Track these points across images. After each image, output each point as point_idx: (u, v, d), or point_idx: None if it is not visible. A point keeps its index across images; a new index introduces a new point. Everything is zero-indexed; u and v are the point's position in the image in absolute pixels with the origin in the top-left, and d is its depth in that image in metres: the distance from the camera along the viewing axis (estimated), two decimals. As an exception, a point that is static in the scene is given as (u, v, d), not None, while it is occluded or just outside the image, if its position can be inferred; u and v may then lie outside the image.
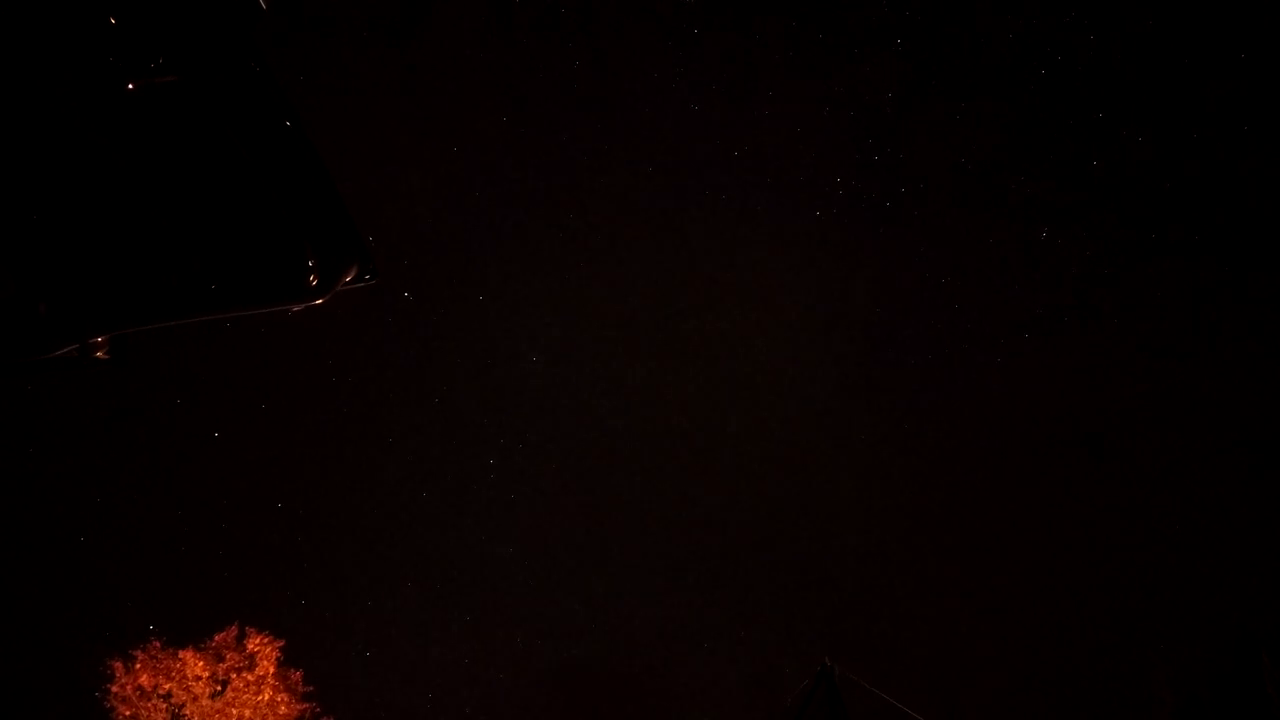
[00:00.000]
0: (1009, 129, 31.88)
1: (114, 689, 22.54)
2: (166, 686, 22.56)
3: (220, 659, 23.09)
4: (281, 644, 23.52)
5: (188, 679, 22.67)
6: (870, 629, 31.43)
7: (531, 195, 33.30)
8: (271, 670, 23.25)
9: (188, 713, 22.68)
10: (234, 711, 22.87)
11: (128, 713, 22.45)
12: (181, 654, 22.77)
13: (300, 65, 30.50)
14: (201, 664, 22.73)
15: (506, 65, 31.87)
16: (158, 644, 22.80)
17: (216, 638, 23.33)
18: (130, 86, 1.92)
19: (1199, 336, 30.71)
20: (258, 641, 23.32)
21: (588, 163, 32.77)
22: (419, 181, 31.96)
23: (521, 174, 32.93)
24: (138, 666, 22.53)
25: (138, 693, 22.49)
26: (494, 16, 30.75)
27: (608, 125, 33.21)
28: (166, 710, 22.61)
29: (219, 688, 22.97)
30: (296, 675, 23.81)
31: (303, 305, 2.21)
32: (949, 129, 31.78)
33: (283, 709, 23.30)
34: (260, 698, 23.05)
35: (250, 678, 23.12)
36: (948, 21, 30.87)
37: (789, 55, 31.61)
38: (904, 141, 32.90)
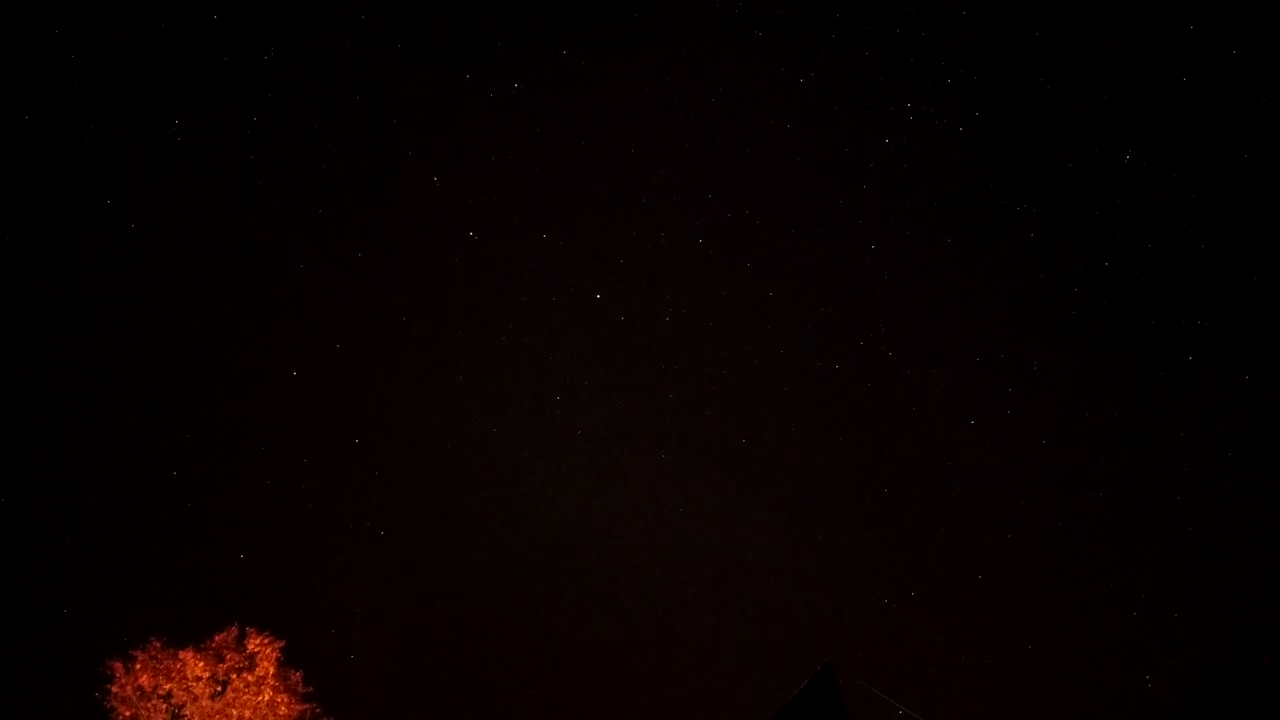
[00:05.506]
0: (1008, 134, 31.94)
1: (114, 689, 22.57)
2: (166, 686, 22.59)
3: (220, 659, 23.13)
4: (281, 644, 23.56)
5: (188, 679, 22.71)
6: (870, 629, 31.48)
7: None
8: (271, 670, 23.28)
9: (188, 713, 22.71)
10: (234, 712, 22.91)
11: (128, 713, 22.48)
12: (181, 654, 22.80)
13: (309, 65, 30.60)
14: (201, 664, 22.77)
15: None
16: (158, 644, 22.83)
17: (216, 638, 23.35)
18: None
19: (1199, 335, 30.74)
20: (258, 641, 23.35)
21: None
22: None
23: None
24: (138, 666, 22.56)
25: (138, 693, 22.53)
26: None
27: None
28: (166, 710, 22.64)
29: (219, 688, 23.00)
30: (296, 675, 23.83)
31: None
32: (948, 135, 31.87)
33: (283, 709, 23.34)
34: (260, 698, 23.08)
35: (250, 678, 23.16)
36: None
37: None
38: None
